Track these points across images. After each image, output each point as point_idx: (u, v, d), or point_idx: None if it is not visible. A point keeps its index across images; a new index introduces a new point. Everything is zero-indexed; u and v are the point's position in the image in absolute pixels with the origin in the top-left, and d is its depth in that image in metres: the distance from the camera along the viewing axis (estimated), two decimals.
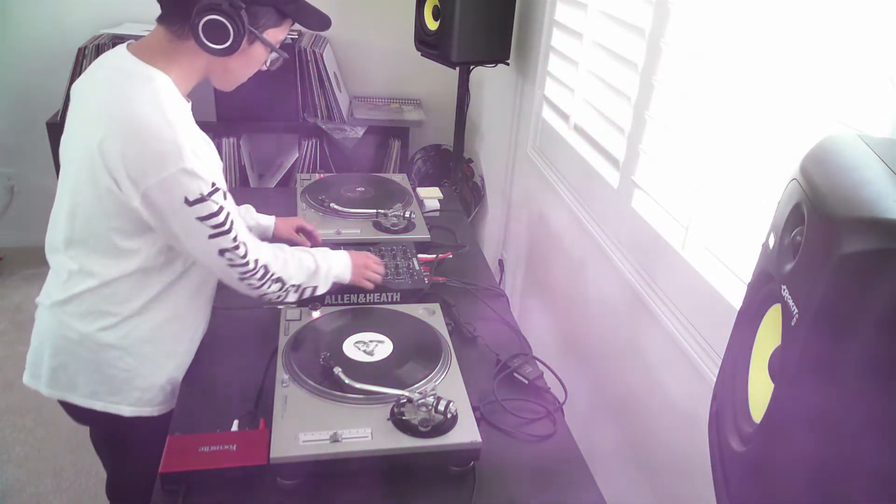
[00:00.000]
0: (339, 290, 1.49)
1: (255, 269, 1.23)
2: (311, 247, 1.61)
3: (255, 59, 1.22)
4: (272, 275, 1.26)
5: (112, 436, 1.37)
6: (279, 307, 1.42)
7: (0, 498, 2.08)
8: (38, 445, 2.28)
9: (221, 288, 1.33)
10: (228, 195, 1.17)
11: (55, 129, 2.79)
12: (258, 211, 1.66)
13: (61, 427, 2.31)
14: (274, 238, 1.64)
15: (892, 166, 0.58)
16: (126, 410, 1.28)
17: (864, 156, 0.61)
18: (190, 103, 1.19)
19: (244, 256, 1.20)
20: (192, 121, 1.16)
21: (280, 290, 1.30)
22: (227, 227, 1.16)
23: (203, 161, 1.11)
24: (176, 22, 1.12)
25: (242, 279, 1.23)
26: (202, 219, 1.12)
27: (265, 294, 1.28)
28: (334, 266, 1.41)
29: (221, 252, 1.17)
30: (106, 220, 1.14)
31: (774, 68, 1.12)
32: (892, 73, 0.89)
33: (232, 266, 1.20)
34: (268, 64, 1.26)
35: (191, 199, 1.10)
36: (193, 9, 1.08)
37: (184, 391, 1.29)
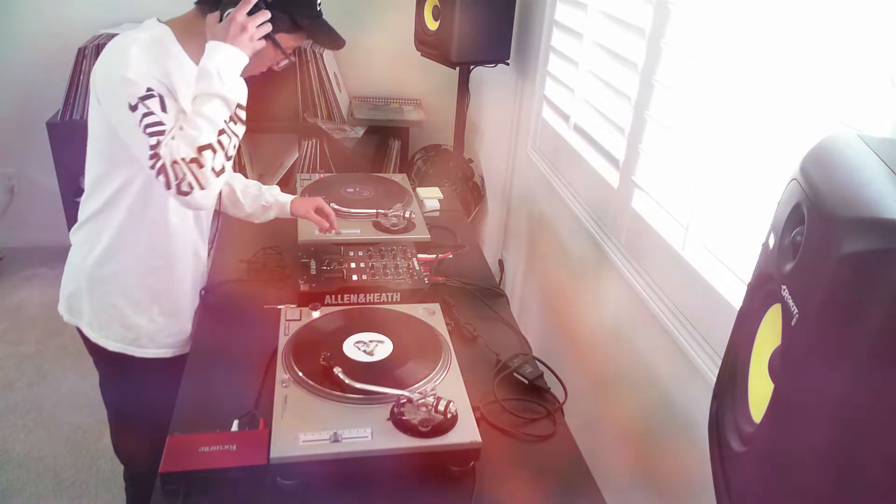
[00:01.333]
0: (351, 289, 1.48)
1: (167, 170, 1.19)
2: (328, 230, 1.69)
3: (264, 56, 1.32)
4: (183, 159, 1.19)
5: (107, 372, 1.52)
6: (279, 307, 1.42)
7: (0, 498, 2.08)
8: (38, 445, 2.28)
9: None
10: (172, 106, 1.22)
11: (55, 129, 2.79)
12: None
13: (61, 427, 2.31)
14: (291, 215, 1.71)
15: (892, 166, 0.58)
16: (111, 346, 1.42)
17: (864, 156, 0.61)
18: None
19: (154, 158, 1.19)
20: (182, 72, 1.28)
21: (199, 166, 1.20)
22: (157, 129, 1.20)
23: (144, 72, 1.20)
24: (208, 4, 1.28)
25: (156, 173, 1.20)
26: (140, 121, 1.19)
27: (197, 179, 1.20)
28: (217, 58, 1.24)
29: (147, 156, 1.20)
30: (97, 144, 1.31)
31: (774, 68, 1.12)
32: (892, 73, 0.89)
33: (149, 167, 1.20)
34: (279, 65, 1.38)
35: (131, 102, 1.19)
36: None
37: (184, 391, 1.29)
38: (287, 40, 1.34)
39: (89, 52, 2.71)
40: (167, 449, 1.09)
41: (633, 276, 1.61)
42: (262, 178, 3.15)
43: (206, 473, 1.06)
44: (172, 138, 1.20)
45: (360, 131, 3.02)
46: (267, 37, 1.28)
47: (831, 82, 1.00)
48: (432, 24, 2.45)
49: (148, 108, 1.20)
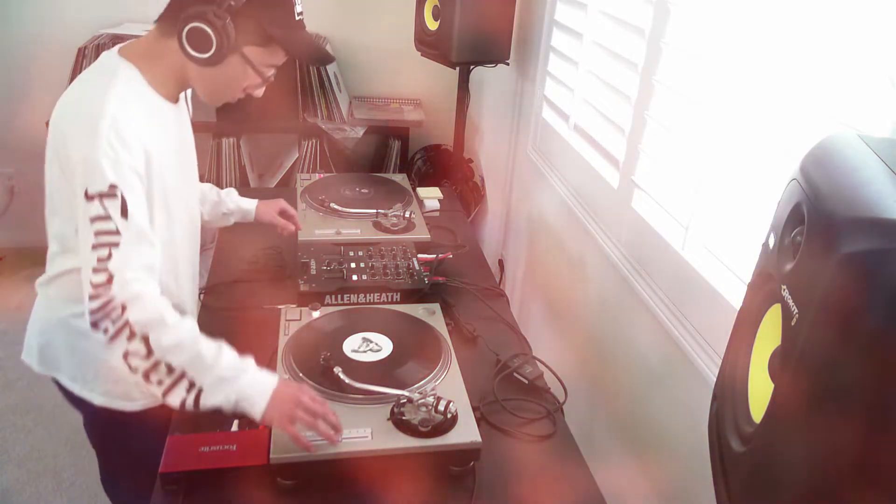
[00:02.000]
0: (352, 288, 1.47)
1: (106, 308, 1.01)
2: (293, 232, 1.64)
3: (231, 75, 1.16)
4: (127, 323, 1.01)
5: (92, 423, 1.37)
6: (279, 307, 1.42)
7: (0, 498, 2.08)
8: (38, 445, 2.27)
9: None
10: (134, 215, 1.05)
11: None
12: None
13: (61, 427, 2.31)
14: (256, 221, 1.66)
15: (892, 166, 0.58)
16: (98, 399, 1.27)
17: (864, 156, 0.61)
18: (177, 105, 1.21)
19: (98, 287, 1.01)
20: (157, 120, 1.14)
21: (147, 358, 1.02)
22: (104, 241, 1.03)
23: (118, 159, 1.04)
24: (167, 21, 1.14)
25: (92, 315, 1.02)
26: (91, 220, 1.03)
27: (127, 355, 1.03)
28: (245, 381, 1.07)
29: (91, 271, 1.02)
30: (67, 205, 1.10)
31: (774, 68, 1.12)
32: (892, 73, 0.89)
33: (88, 295, 1.02)
34: (256, 89, 1.22)
35: (89, 191, 1.02)
36: (182, 13, 1.08)
37: None
38: (259, 55, 1.15)
39: (89, 52, 2.70)
40: (167, 449, 1.09)
41: (633, 277, 1.61)
42: (262, 179, 3.15)
43: (206, 473, 1.06)
44: (140, 304, 1.02)
45: (360, 131, 3.02)
46: (234, 49, 1.11)
47: (831, 82, 1.00)
48: (432, 24, 2.45)
49: (105, 209, 1.02)
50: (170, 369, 1.03)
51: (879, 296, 0.50)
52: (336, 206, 1.83)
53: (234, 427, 1.16)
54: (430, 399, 1.12)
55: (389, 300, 1.53)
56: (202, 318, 1.51)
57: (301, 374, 1.20)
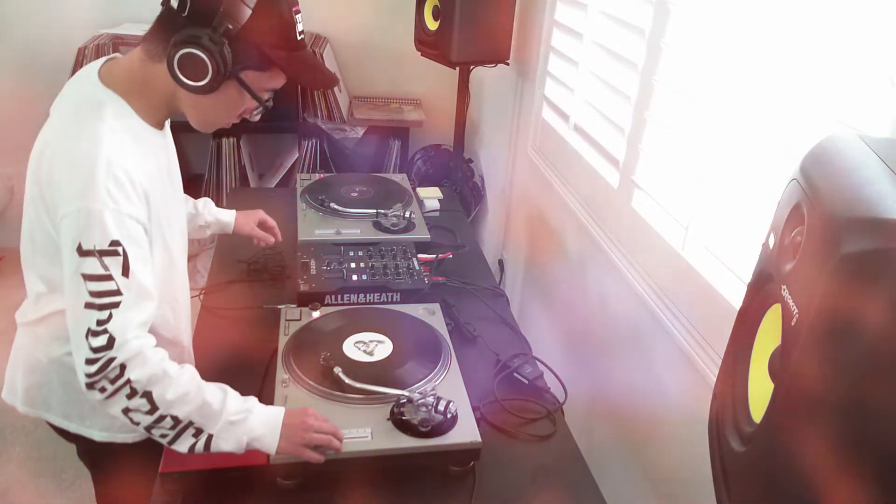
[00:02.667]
0: (352, 288, 1.47)
1: (105, 370, 0.96)
2: (273, 243, 1.60)
3: (227, 102, 1.07)
4: (128, 381, 0.97)
5: (90, 458, 1.32)
6: (279, 307, 1.42)
7: (0, 498, 2.08)
8: (37, 445, 2.27)
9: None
10: (136, 272, 0.98)
11: None
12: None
13: None
14: (234, 234, 1.60)
15: (892, 166, 0.58)
16: (97, 435, 1.21)
17: (864, 156, 0.61)
18: (163, 132, 1.13)
19: (98, 352, 0.96)
20: (149, 155, 1.07)
21: (150, 414, 0.99)
22: (104, 302, 0.96)
23: (118, 213, 0.96)
24: (154, 42, 1.03)
25: (88, 378, 0.96)
26: (86, 277, 0.95)
27: (129, 411, 0.99)
28: (254, 421, 1.04)
29: (87, 332, 0.96)
30: (57, 252, 1.01)
31: (774, 68, 1.12)
32: (892, 73, 0.89)
33: (85, 359, 0.96)
34: (253, 114, 1.14)
35: (84, 246, 0.95)
36: (172, 37, 0.98)
37: None
38: (259, 80, 1.06)
39: (89, 52, 2.71)
40: (167, 449, 1.09)
41: (634, 277, 1.61)
42: (262, 179, 3.15)
43: (206, 473, 1.06)
44: (144, 365, 0.97)
45: (360, 131, 3.02)
46: (231, 75, 1.01)
47: (831, 82, 1.00)
48: (432, 24, 2.45)
49: (105, 268, 0.95)
50: (175, 421, 1.00)
51: (879, 296, 0.50)
52: (336, 206, 1.83)
53: None
54: (430, 399, 1.12)
55: (389, 300, 1.53)
56: (202, 318, 1.51)
57: (301, 374, 1.20)
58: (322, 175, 2.09)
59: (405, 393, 1.15)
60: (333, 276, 1.54)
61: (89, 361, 0.95)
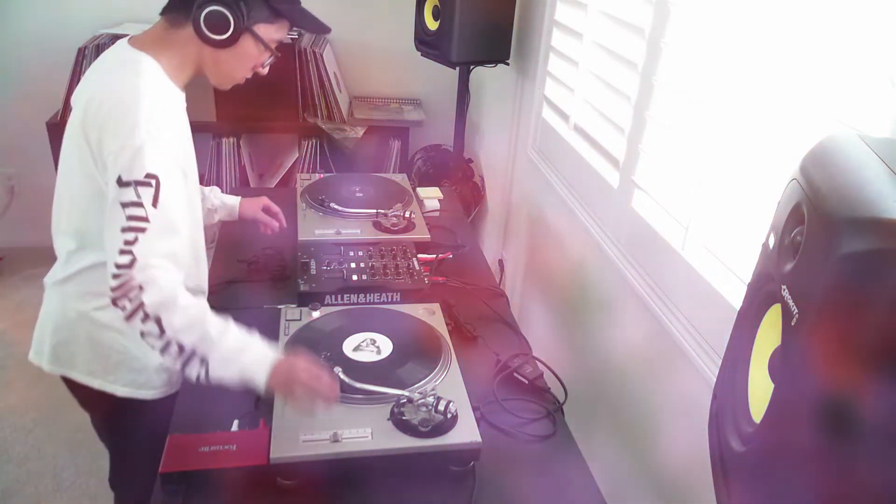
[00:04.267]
0: (352, 289, 1.47)
1: (125, 288, 1.06)
2: (277, 230, 1.68)
3: (245, 54, 1.23)
4: (141, 305, 1.06)
5: (110, 417, 1.40)
6: (279, 307, 1.42)
7: (0, 498, 2.08)
8: (38, 445, 2.28)
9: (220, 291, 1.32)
10: (165, 205, 1.09)
11: (55, 129, 2.79)
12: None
13: (61, 427, 2.31)
14: (239, 218, 1.67)
15: (892, 166, 0.58)
16: (120, 391, 1.31)
17: (864, 156, 0.61)
18: (183, 94, 1.24)
19: (121, 268, 1.06)
20: (176, 109, 1.21)
21: (160, 338, 1.07)
22: (134, 225, 1.07)
23: (155, 150, 1.09)
24: (176, 11, 1.19)
25: (113, 292, 1.07)
26: (123, 205, 1.07)
27: (143, 334, 1.08)
28: (247, 357, 1.11)
29: (118, 252, 1.07)
30: (93, 200, 1.15)
31: (774, 68, 1.12)
32: (892, 73, 0.89)
33: (111, 274, 1.07)
34: (264, 66, 1.28)
35: (123, 178, 1.07)
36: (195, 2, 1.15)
37: (184, 391, 1.29)
38: (268, 32, 1.23)
39: (89, 52, 2.70)
40: (167, 449, 1.09)
41: (633, 277, 1.61)
42: (262, 179, 3.15)
43: (206, 473, 1.06)
44: (161, 289, 1.06)
45: (360, 131, 3.02)
46: (246, 28, 1.19)
47: (831, 82, 1.00)
48: (432, 24, 2.45)
49: (138, 196, 1.07)
50: (181, 348, 1.08)
51: (879, 296, 0.50)
52: (336, 206, 1.83)
53: (234, 427, 1.16)
54: (430, 399, 1.12)
55: (389, 300, 1.52)
56: None
57: None
58: (322, 175, 2.09)
59: (405, 393, 1.15)
60: (333, 276, 1.54)
61: (114, 276, 1.07)
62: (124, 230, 1.07)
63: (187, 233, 1.19)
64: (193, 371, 1.09)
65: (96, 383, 1.31)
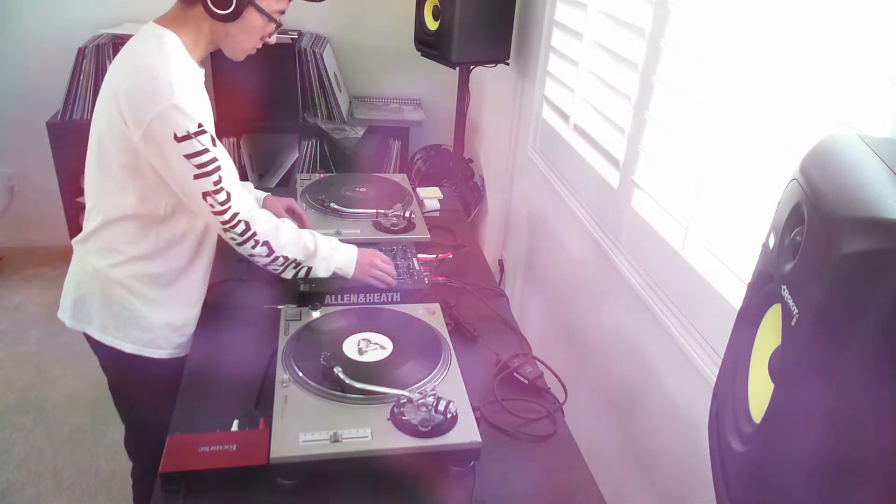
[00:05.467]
0: (351, 288, 1.48)
1: (233, 222, 1.29)
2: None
3: (251, 26, 1.32)
4: (254, 234, 1.31)
5: (121, 376, 1.50)
6: (278, 307, 1.42)
7: (0, 498, 2.08)
8: (38, 445, 2.27)
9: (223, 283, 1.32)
10: (218, 143, 1.26)
11: (55, 129, 2.79)
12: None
13: (61, 427, 2.31)
14: None
15: (892, 166, 0.58)
16: (129, 348, 1.41)
17: (864, 156, 0.61)
18: (202, 70, 1.32)
19: (224, 204, 1.27)
20: (196, 77, 1.28)
21: (268, 256, 1.34)
22: (210, 168, 1.23)
23: (194, 104, 1.21)
24: None
25: (225, 230, 1.30)
26: (188, 156, 1.21)
27: (252, 255, 1.34)
28: (338, 256, 1.44)
29: (204, 195, 1.25)
30: (116, 155, 1.27)
31: (774, 68, 1.12)
32: (892, 73, 0.89)
33: (214, 213, 1.27)
34: (271, 36, 1.37)
35: (179, 134, 1.20)
36: None
37: (184, 391, 1.29)
38: (269, 4, 1.31)
39: (89, 52, 2.71)
40: (167, 449, 1.09)
41: (633, 276, 1.61)
42: (262, 179, 3.15)
43: (206, 473, 1.06)
44: (253, 225, 1.30)
45: (360, 131, 3.02)
46: (249, 3, 1.27)
47: (831, 82, 1.00)
48: (432, 24, 2.45)
49: (201, 144, 1.22)
50: (286, 259, 1.36)
51: (879, 296, 0.50)
52: (336, 206, 1.83)
53: (234, 427, 1.16)
54: (430, 399, 1.12)
55: (389, 300, 1.53)
56: (202, 317, 1.51)
57: (301, 374, 1.20)
58: (322, 175, 2.09)
59: (405, 393, 1.15)
60: (334, 275, 1.54)
61: (217, 213, 1.27)
62: (201, 176, 1.23)
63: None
64: (290, 273, 1.38)
65: (108, 339, 1.40)
